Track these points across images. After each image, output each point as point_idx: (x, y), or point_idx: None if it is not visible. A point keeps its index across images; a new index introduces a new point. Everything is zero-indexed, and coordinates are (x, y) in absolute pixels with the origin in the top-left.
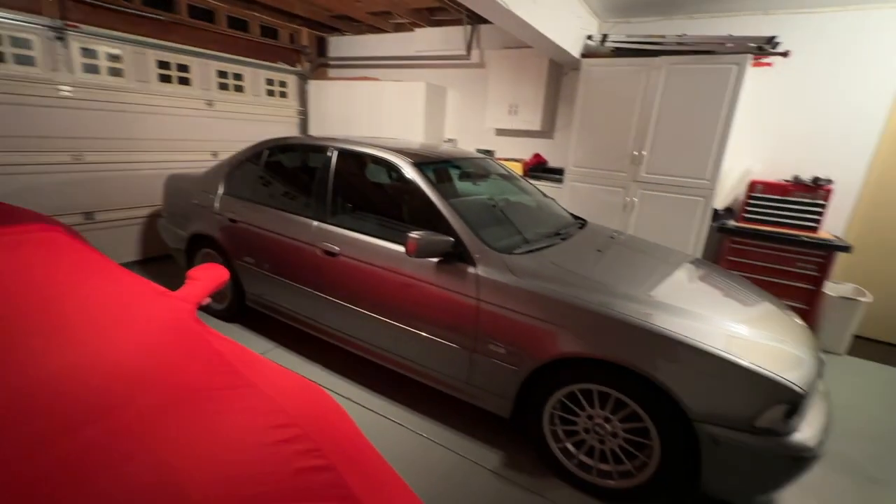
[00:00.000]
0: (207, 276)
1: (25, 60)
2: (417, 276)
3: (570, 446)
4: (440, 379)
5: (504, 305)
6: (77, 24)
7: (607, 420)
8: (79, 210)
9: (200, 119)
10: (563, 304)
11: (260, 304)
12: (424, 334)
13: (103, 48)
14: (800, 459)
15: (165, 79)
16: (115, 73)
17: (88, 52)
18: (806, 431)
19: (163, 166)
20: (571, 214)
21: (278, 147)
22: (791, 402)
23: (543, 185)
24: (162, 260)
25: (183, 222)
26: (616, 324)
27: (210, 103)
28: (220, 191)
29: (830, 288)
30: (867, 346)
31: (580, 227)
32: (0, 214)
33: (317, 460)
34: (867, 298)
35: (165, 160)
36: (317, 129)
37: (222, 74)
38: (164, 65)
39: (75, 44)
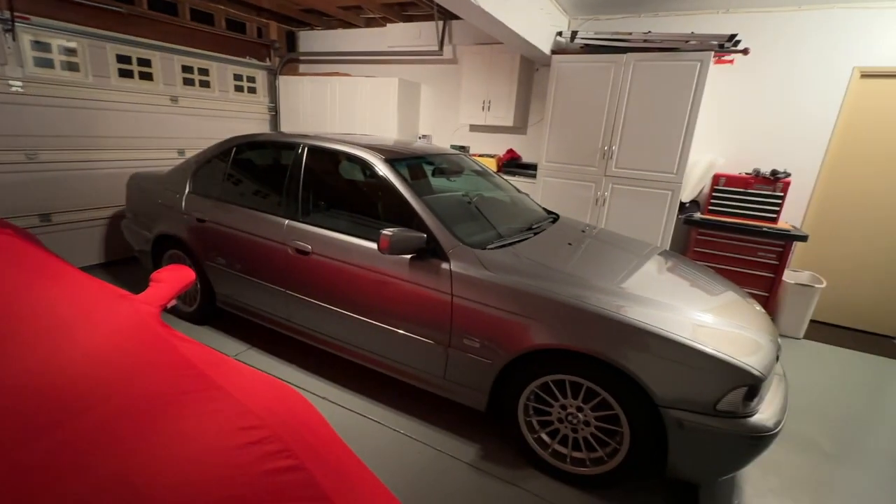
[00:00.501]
0: (172, 278)
1: None
2: (391, 272)
3: (544, 436)
4: (416, 375)
5: (477, 300)
6: (27, 16)
7: (580, 409)
8: (34, 212)
9: (165, 116)
10: (535, 297)
11: (231, 305)
12: (399, 331)
13: (57, 41)
14: (759, 439)
15: (126, 74)
16: (71, 67)
17: (41, 46)
18: (765, 412)
19: (125, 165)
20: (544, 209)
21: (247, 144)
22: (751, 385)
23: (517, 181)
24: (126, 263)
25: (148, 223)
26: (588, 315)
27: (174, 99)
28: (187, 190)
29: (789, 275)
30: (823, 330)
31: (552, 222)
32: None
33: (287, 461)
34: (822, 284)
35: (128, 158)
36: (288, 126)
37: (187, 69)
38: (124, 59)
39: (25, 36)
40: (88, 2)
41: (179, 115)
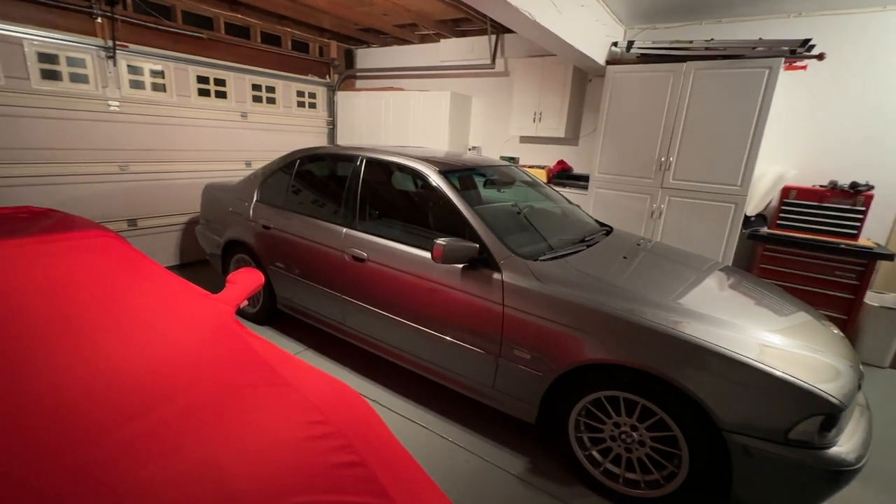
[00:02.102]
0: (246, 280)
1: (79, 78)
2: (443, 281)
3: (595, 454)
4: (465, 384)
5: (529, 311)
6: (126, 45)
7: (634, 428)
8: (123, 217)
9: (235, 130)
10: (588, 310)
11: (290, 307)
12: (450, 339)
13: (148, 65)
14: (838, 473)
15: (204, 93)
16: (158, 88)
17: (134, 70)
18: (845, 445)
19: (200, 175)
20: (597, 221)
21: (309, 157)
22: (828, 413)
23: (568, 192)
24: (198, 265)
25: (219, 229)
26: (642, 330)
27: (244, 115)
28: (255, 199)
29: (871, 297)
30: None
31: (606, 234)
32: (58, 222)
33: (349, 456)
34: None
35: (202, 170)
36: (345, 139)
37: (256, 87)
38: (203, 79)
39: (123, 62)
40: (175, 28)
41: (248, 129)
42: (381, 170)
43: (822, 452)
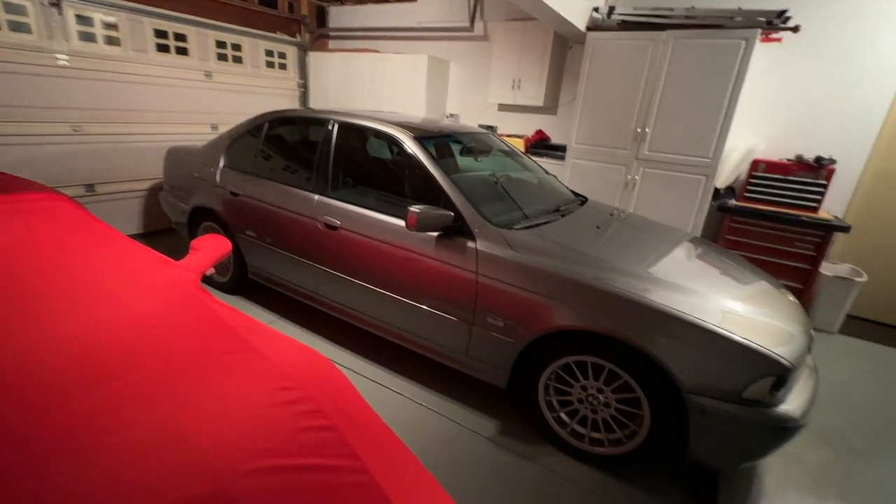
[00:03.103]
0: (211, 247)
1: (20, 27)
2: (417, 249)
3: (563, 416)
4: (439, 351)
5: (502, 279)
6: None
7: (600, 391)
8: (79, 182)
9: (199, 91)
10: (559, 278)
11: (262, 276)
12: (424, 307)
13: (98, 15)
14: (784, 429)
15: (163, 48)
16: (112, 41)
17: (84, 20)
18: (792, 403)
19: (163, 139)
20: (572, 191)
21: (278, 120)
22: (779, 375)
23: (545, 162)
24: (164, 233)
25: (184, 195)
26: (612, 298)
27: (209, 74)
28: (221, 164)
29: (826, 268)
30: (860, 326)
31: (580, 205)
32: (4, 184)
33: (319, 420)
34: (862, 278)
35: (165, 132)
36: (317, 103)
37: (221, 45)
38: (161, 34)
39: (70, 10)
40: None
41: (213, 90)
42: (355, 135)
43: (772, 410)
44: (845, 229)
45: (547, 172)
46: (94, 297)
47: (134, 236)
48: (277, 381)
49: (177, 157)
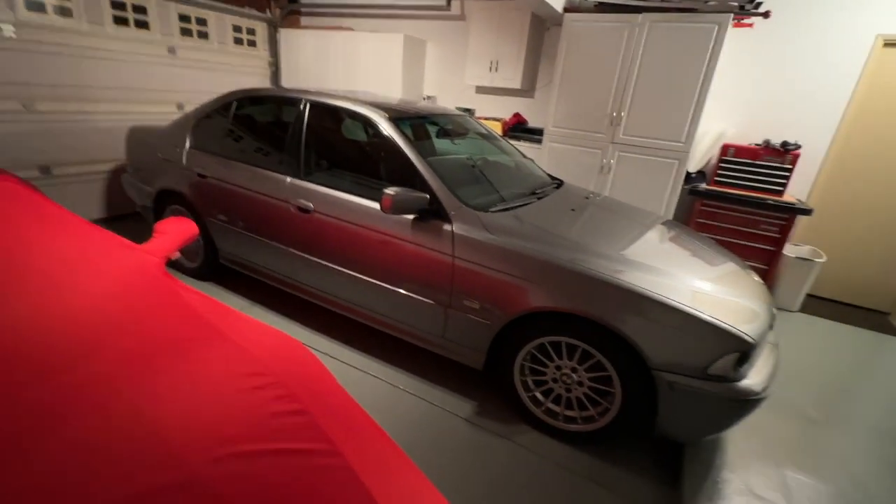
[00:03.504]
0: (175, 230)
1: None
2: (392, 233)
3: (538, 395)
4: (415, 334)
5: (478, 262)
6: None
7: (574, 370)
8: (34, 164)
9: (162, 67)
10: (535, 260)
11: (234, 261)
12: (400, 291)
13: None
14: (746, 402)
15: (121, 21)
16: (64, 12)
17: None
18: (754, 378)
19: (124, 118)
20: (549, 175)
21: (247, 98)
22: (743, 351)
23: (523, 146)
24: (129, 218)
25: (149, 178)
26: (586, 279)
27: (172, 50)
28: (188, 144)
29: (790, 249)
30: (819, 304)
31: (556, 188)
32: None
33: (291, 405)
34: (822, 259)
35: (127, 111)
36: (290, 82)
37: (184, 18)
38: (118, 5)
39: None
40: None
41: (178, 67)
42: (328, 115)
43: (735, 385)
44: (807, 212)
45: (524, 156)
46: (47, 283)
47: (96, 221)
48: (247, 366)
49: (140, 138)
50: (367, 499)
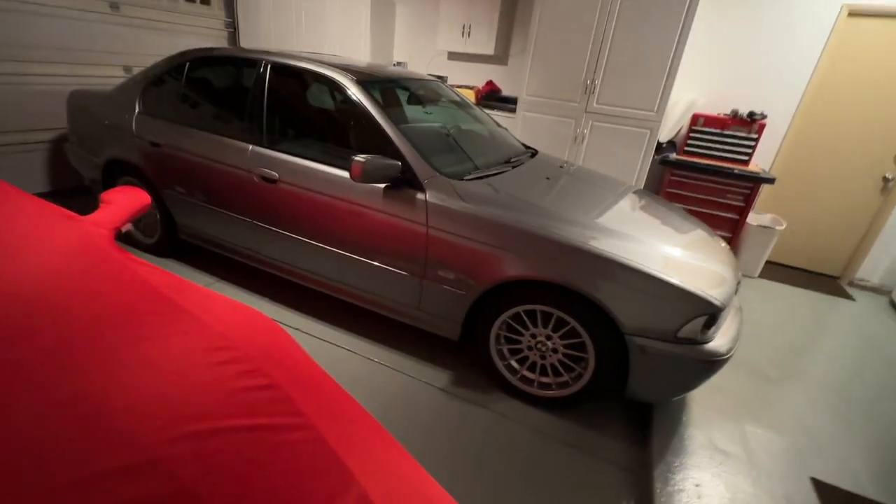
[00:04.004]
0: (124, 200)
1: None
2: (363, 202)
3: (514, 363)
4: (389, 306)
5: (453, 231)
6: None
7: (549, 338)
8: None
9: (104, 26)
10: (510, 228)
11: (195, 236)
12: (372, 263)
13: None
14: (712, 363)
15: None
16: None
17: None
18: (720, 340)
19: (65, 81)
20: (523, 144)
21: (201, 59)
22: (711, 314)
23: (496, 115)
24: (78, 192)
25: (95, 147)
26: (561, 247)
27: (115, 6)
28: (137, 109)
29: (753, 217)
30: (778, 270)
31: (531, 157)
32: None
33: (259, 379)
34: (782, 227)
35: (67, 74)
36: (249, 45)
37: None
38: None
39: None
40: None
41: (122, 26)
42: (292, 78)
43: (702, 347)
44: (771, 181)
45: (498, 125)
46: None
47: (40, 195)
48: (209, 341)
49: (82, 103)
50: (344, 471)
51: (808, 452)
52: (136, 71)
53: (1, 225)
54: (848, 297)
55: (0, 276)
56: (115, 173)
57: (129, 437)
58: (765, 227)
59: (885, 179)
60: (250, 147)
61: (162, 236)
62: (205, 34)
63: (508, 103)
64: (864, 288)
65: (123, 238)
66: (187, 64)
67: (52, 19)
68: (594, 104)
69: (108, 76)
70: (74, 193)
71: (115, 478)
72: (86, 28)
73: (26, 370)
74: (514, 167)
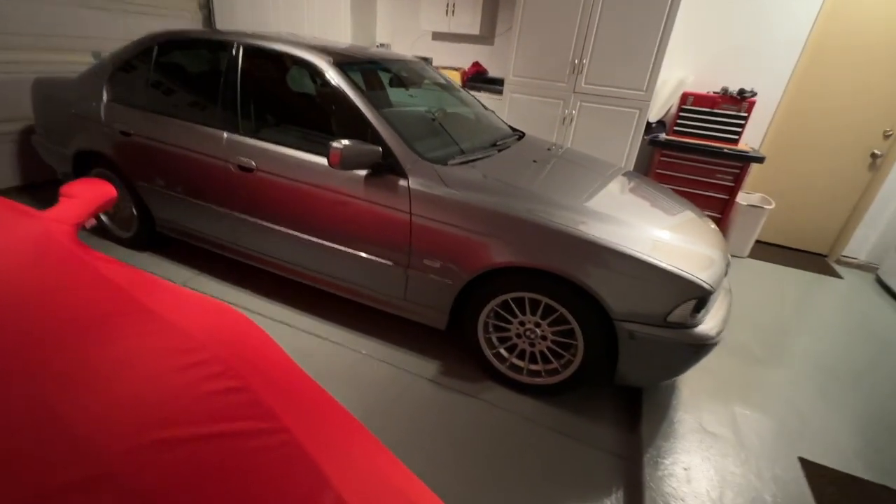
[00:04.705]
0: (86, 193)
1: None
2: (344, 190)
3: (503, 351)
4: (374, 297)
5: (437, 218)
6: None
7: (537, 325)
8: None
9: (69, 8)
10: (496, 214)
11: (172, 229)
12: (355, 252)
13: None
14: (702, 347)
15: None
16: None
17: None
18: (709, 323)
19: (29, 69)
20: (510, 127)
21: (170, 42)
22: (700, 297)
23: (483, 97)
24: (50, 186)
25: (63, 138)
26: (549, 233)
27: None
28: (105, 97)
29: (742, 197)
30: (767, 250)
31: (518, 140)
32: None
33: (229, 382)
34: (770, 206)
35: (28, 61)
36: (224, 27)
37: None
38: None
39: None
40: None
41: (87, 8)
42: (267, 61)
43: (692, 331)
44: (760, 160)
45: (485, 107)
46: None
47: (11, 190)
48: (176, 343)
49: (47, 91)
50: (319, 475)
51: (797, 432)
52: (105, 56)
53: None
54: (836, 274)
55: None
56: (87, 165)
57: (89, 448)
58: (754, 206)
59: (874, 155)
60: (225, 135)
61: (138, 230)
62: (177, 16)
63: (495, 84)
64: (851, 265)
65: (99, 232)
66: (156, 47)
67: (15, 2)
68: (582, 84)
69: (75, 62)
70: (48, 186)
71: (71, 493)
72: (48, 11)
73: None
74: (500, 151)
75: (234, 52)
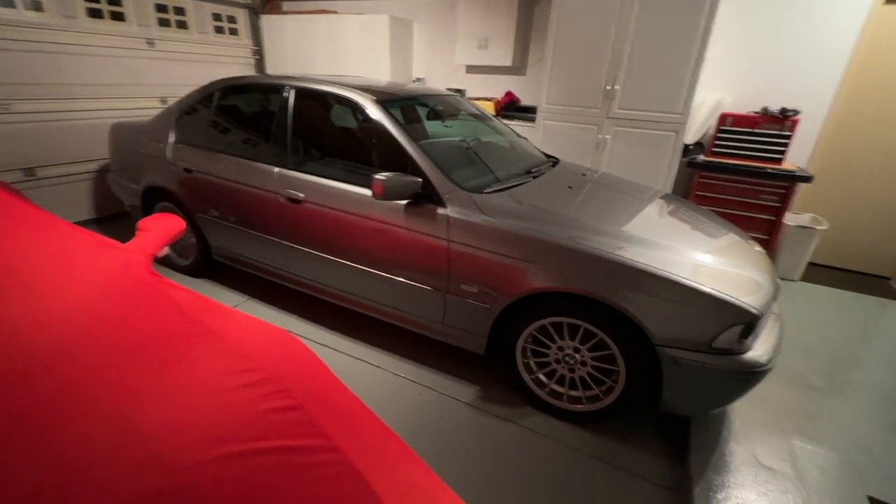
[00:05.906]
0: (160, 227)
1: None
2: (386, 219)
3: (542, 376)
4: (414, 321)
5: (475, 245)
6: None
7: (577, 350)
8: (16, 166)
9: (142, 61)
10: (533, 240)
11: (227, 257)
12: (396, 278)
13: None
14: (752, 374)
15: (95, 14)
16: (35, 6)
17: None
18: (759, 349)
19: (106, 115)
20: (544, 153)
21: (230, 88)
22: (747, 322)
23: (516, 125)
24: (119, 218)
25: (135, 175)
26: (587, 258)
27: (151, 42)
28: (171, 139)
29: (790, 218)
30: (820, 272)
31: (552, 166)
32: None
33: (283, 401)
34: (823, 226)
35: (108, 108)
36: (274, 71)
37: (161, 8)
38: None
39: None
40: None
41: (158, 59)
42: (314, 101)
43: (740, 357)
44: (808, 179)
45: (518, 135)
46: (24, 286)
47: (85, 222)
48: (236, 363)
49: (123, 134)
50: (369, 493)
51: (864, 468)
52: (171, 101)
53: (54, 255)
54: None
55: (50, 302)
56: (153, 199)
57: (163, 460)
58: (804, 227)
59: None
60: (276, 169)
61: (196, 258)
62: (233, 62)
63: (528, 113)
64: None
65: (161, 260)
66: (217, 93)
67: (95, 58)
68: (615, 109)
69: (146, 107)
70: (117, 218)
71: (149, 501)
72: (125, 64)
73: (71, 387)
74: (535, 177)
75: (285, 95)
